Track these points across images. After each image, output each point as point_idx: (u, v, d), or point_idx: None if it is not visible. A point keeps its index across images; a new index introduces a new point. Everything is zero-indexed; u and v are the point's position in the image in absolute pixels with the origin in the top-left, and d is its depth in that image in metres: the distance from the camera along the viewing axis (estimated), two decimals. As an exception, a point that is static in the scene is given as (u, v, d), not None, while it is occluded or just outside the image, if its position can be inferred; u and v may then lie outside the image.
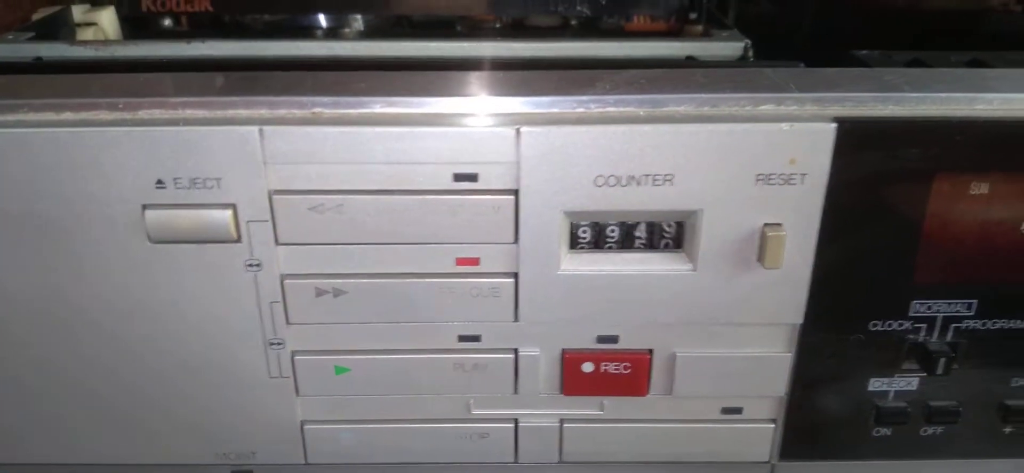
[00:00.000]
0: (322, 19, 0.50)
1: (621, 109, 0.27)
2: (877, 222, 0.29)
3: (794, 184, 0.28)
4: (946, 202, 0.28)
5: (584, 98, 0.27)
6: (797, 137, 0.27)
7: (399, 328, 0.31)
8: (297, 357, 0.31)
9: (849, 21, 0.58)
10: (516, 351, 0.31)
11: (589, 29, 0.50)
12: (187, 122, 0.27)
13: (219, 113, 0.27)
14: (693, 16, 0.50)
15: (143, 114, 0.27)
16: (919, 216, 0.28)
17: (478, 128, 0.27)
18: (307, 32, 0.50)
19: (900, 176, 0.28)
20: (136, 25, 0.49)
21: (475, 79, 0.29)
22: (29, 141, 0.27)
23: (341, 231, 0.29)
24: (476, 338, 0.31)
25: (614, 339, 0.31)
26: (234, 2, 0.50)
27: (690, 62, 0.38)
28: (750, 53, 0.40)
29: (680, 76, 0.29)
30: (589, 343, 0.31)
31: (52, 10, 0.46)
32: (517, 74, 0.29)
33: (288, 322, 0.30)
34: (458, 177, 0.28)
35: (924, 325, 0.30)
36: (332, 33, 0.50)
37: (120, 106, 0.27)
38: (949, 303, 0.30)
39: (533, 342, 0.31)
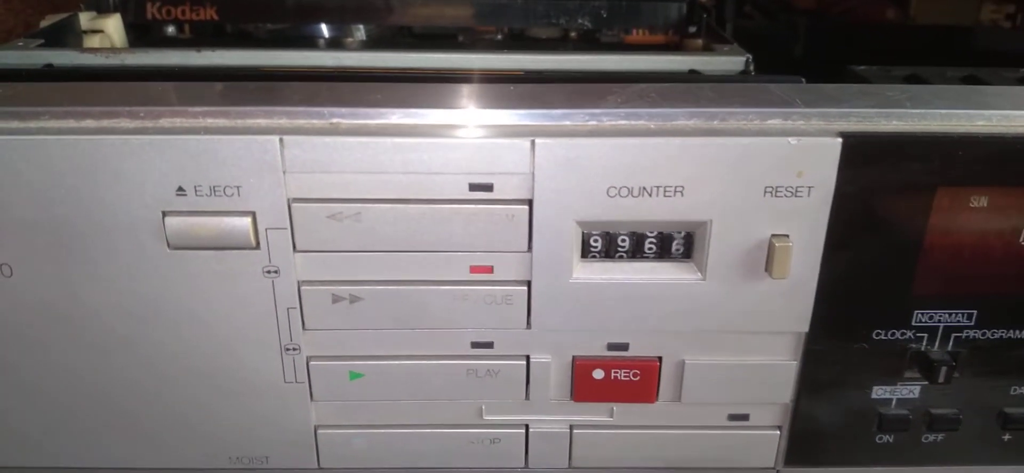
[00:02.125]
0: (325, 29, 0.51)
1: (633, 122, 0.28)
2: (881, 233, 0.29)
3: (801, 196, 0.28)
4: (947, 215, 0.29)
5: (597, 111, 0.28)
6: (804, 151, 0.28)
7: (413, 334, 0.31)
8: (312, 362, 0.32)
9: (842, 36, 0.59)
10: (528, 358, 0.32)
11: (589, 42, 0.51)
12: (208, 131, 0.28)
13: (239, 122, 0.28)
14: (692, 30, 0.50)
15: (164, 122, 0.28)
16: (921, 228, 0.29)
17: (494, 139, 0.28)
18: (310, 42, 0.50)
19: (903, 189, 0.29)
20: (141, 32, 0.49)
21: (489, 91, 0.29)
22: (49, 148, 0.27)
23: (358, 239, 0.29)
24: (489, 345, 0.32)
25: (624, 346, 0.32)
26: (239, 11, 0.50)
27: (693, 75, 0.39)
28: (751, 68, 0.40)
29: (690, 90, 0.30)
30: (599, 350, 0.32)
31: (60, 17, 0.46)
32: (530, 87, 0.30)
33: (304, 328, 0.31)
34: (474, 187, 0.29)
35: (926, 334, 0.31)
36: (335, 43, 0.51)
37: (141, 114, 0.28)
38: (950, 313, 0.31)
39: (545, 349, 0.32)
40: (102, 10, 0.48)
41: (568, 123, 0.28)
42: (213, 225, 0.28)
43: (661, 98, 0.29)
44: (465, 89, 0.30)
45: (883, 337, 0.31)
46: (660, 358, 0.32)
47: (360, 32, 0.51)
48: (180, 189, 0.28)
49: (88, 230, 0.29)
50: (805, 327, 0.31)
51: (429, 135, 0.28)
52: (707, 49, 0.45)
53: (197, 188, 0.28)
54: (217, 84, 0.30)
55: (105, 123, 0.28)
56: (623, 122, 0.28)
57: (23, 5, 0.60)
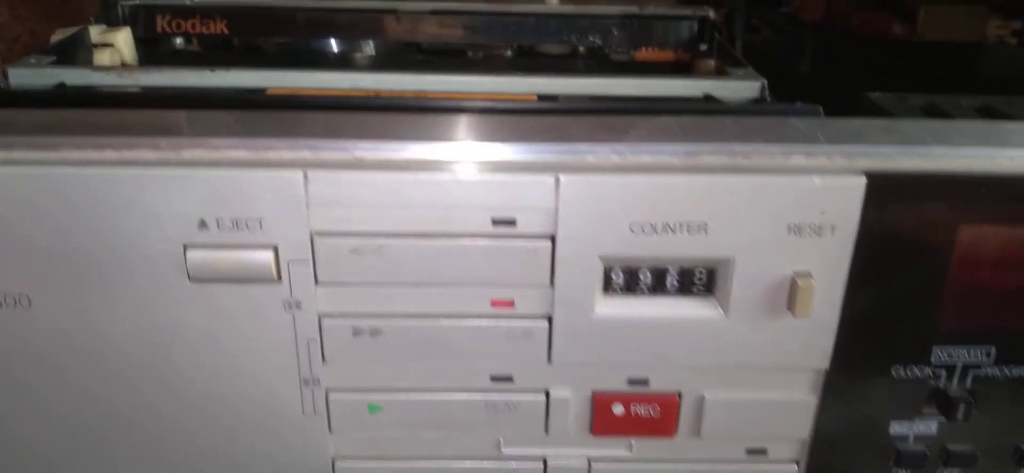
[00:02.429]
0: (334, 44, 0.51)
1: (656, 158, 0.28)
2: (902, 271, 0.29)
3: (824, 235, 0.28)
4: (968, 253, 0.29)
5: (620, 146, 0.28)
6: (828, 189, 0.28)
7: (433, 367, 0.31)
8: (331, 395, 0.31)
9: (850, 52, 0.59)
10: (547, 392, 0.32)
11: (599, 58, 0.51)
12: (230, 163, 0.27)
13: (262, 155, 0.27)
14: (703, 47, 0.50)
15: (185, 154, 0.27)
16: (942, 266, 0.29)
17: (517, 174, 0.28)
18: (320, 56, 0.50)
19: (925, 227, 0.29)
20: (151, 46, 0.49)
21: (512, 124, 0.29)
22: (68, 180, 0.27)
23: (380, 272, 0.29)
24: (508, 378, 0.31)
25: (644, 381, 0.32)
26: (249, 26, 0.50)
27: (709, 101, 0.39)
28: (766, 93, 0.40)
29: (712, 124, 0.30)
30: (619, 385, 0.32)
31: (70, 31, 0.46)
32: (553, 119, 0.30)
33: (324, 360, 0.30)
34: (496, 221, 0.28)
35: (944, 371, 0.31)
36: (344, 58, 0.50)
37: (162, 146, 0.27)
38: (969, 350, 0.31)
39: (564, 383, 0.32)
40: (112, 23, 0.48)
41: (592, 159, 0.28)
42: (235, 259, 0.28)
43: (684, 132, 0.29)
44: (487, 121, 0.30)
45: (902, 374, 0.31)
46: (680, 393, 0.32)
47: (369, 47, 0.51)
48: (202, 222, 0.28)
49: (108, 261, 0.28)
50: (825, 363, 0.31)
51: (452, 169, 0.28)
52: (721, 72, 0.45)
53: (219, 222, 0.28)
54: (237, 113, 0.30)
55: (125, 154, 0.27)
56: (647, 158, 0.28)
57: (29, 12, 0.60)
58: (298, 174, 0.27)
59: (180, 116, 0.29)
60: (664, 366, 0.31)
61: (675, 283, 0.30)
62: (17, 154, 0.27)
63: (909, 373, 0.31)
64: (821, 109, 0.33)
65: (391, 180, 0.28)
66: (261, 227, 0.28)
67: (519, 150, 0.28)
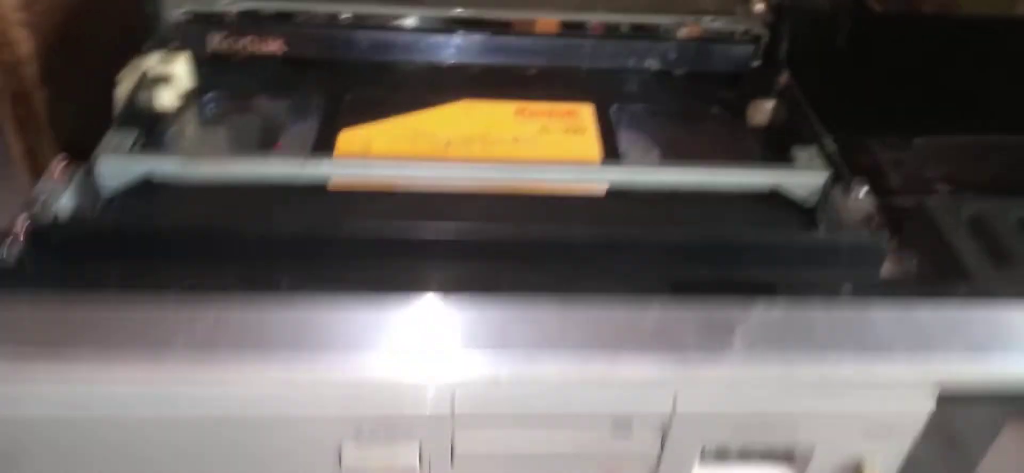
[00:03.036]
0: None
1: (761, 372, 0.32)
2: (951, 453, 0.35)
3: (893, 431, 0.33)
4: (1009, 440, 0.34)
5: (730, 358, 0.31)
6: (903, 400, 0.32)
7: (546, 515, 0.36)
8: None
9: (886, 40, 0.59)
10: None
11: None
12: (383, 384, 0.30)
13: (415, 371, 0.30)
14: (755, 63, 0.51)
15: (343, 373, 0.30)
16: (983, 446, 0.35)
17: (638, 389, 0.32)
18: (371, 71, 0.50)
19: (976, 422, 0.34)
20: (208, 66, 0.48)
21: (629, 332, 0.32)
22: (232, 399, 0.30)
23: (509, 455, 0.33)
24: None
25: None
26: (307, 45, 0.49)
27: (776, 195, 0.41)
28: (830, 186, 0.41)
29: (804, 326, 0.32)
30: (703, 528, 0.37)
31: (132, 76, 0.44)
32: (663, 319, 0.32)
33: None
34: (615, 423, 0.32)
35: (968, 517, 0.38)
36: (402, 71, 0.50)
37: (320, 366, 0.30)
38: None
39: (656, 529, 0.37)
40: (165, 43, 0.47)
41: (706, 373, 0.31)
42: (385, 455, 0.32)
43: (781, 339, 0.32)
44: (609, 323, 0.32)
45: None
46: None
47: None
48: (357, 429, 0.31)
49: (264, 451, 0.32)
50: (873, 513, 0.37)
51: (579, 382, 0.31)
52: (786, 155, 0.45)
53: (372, 432, 0.31)
54: (379, 311, 0.31)
55: (284, 375, 0.30)
56: (753, 371, 0.32)
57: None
58: (446, 392, 0.31)
59: (323, 318, 0.31)
60: (742, 515, 0.37)
61: (758, 450, 0.35)
62: (181, 374, 0.30)
63: (939, 516, 0.38)
64: (885, 241, 0.36)
65: (525, 389, 0.31)
66: (411, 430, 0.31)
67: (640, 364, 0.31)
